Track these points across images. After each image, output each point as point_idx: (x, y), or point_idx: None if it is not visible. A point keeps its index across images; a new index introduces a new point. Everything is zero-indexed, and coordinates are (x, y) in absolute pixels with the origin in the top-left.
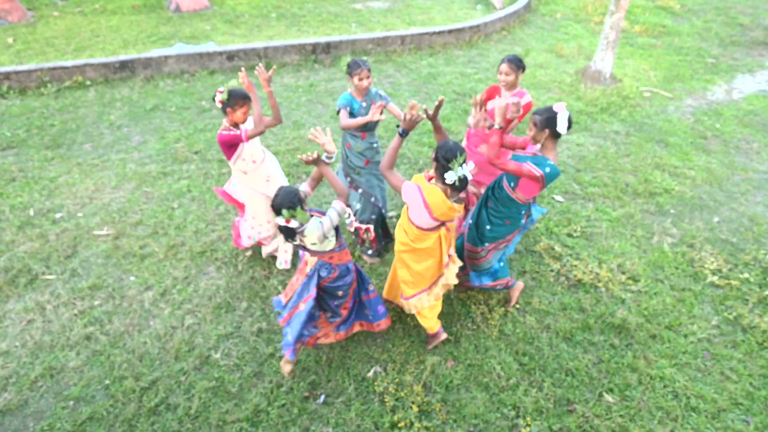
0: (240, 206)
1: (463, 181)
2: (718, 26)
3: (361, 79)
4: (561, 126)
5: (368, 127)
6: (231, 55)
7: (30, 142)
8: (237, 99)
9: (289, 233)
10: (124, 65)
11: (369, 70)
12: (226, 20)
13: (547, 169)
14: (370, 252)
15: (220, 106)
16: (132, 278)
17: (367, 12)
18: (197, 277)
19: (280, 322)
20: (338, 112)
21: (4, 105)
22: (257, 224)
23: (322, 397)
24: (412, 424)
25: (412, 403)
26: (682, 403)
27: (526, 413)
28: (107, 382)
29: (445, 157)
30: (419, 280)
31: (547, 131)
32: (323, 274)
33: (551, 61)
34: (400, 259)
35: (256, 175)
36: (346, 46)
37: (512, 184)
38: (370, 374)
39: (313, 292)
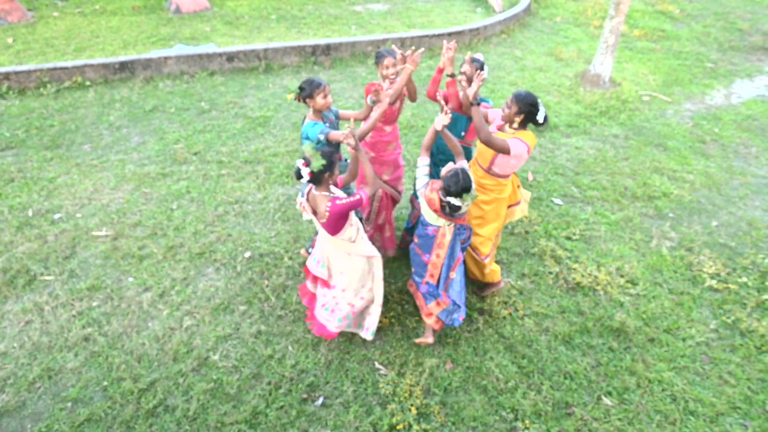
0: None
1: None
2: (717, 31)
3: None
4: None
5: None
6: (231, 57)
7: (29, 142)
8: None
9: (457, 210)
10: (123, 66)
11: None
12: (226, 21)
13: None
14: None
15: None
16: (130, 279)
17: (366, 14)
18: (196, 279)
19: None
20: (321, 141)
21: (3, 105)
22: (345, 298)
23: (321, 399)
24: (410, 426)
25: (411, 405)
26: (681, 407)
27: (525, 416)
28: (105, 383)
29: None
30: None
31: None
32: (463, 236)
33: (550, 65)
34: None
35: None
36: (346, 48)
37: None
38: (369, 376)
39: (460, 255)
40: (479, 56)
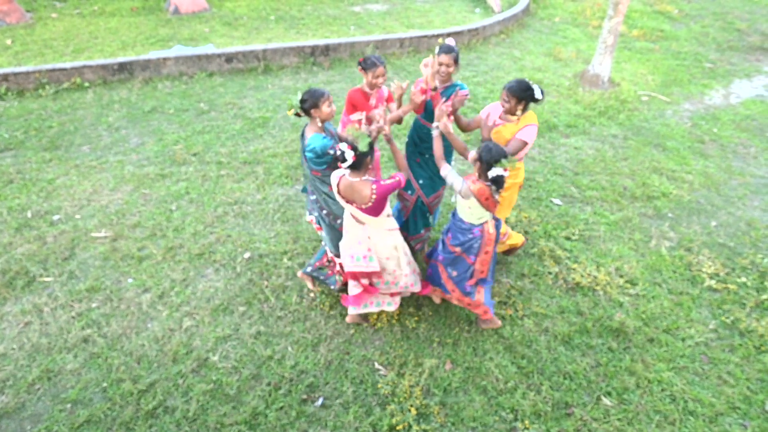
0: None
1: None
2: (715, 31)
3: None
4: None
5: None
6: (230, 57)
7: (28, 143)
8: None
9: (503, 180)
10: (122, 67)
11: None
12: (224, 22)
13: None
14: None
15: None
16: (130, 280)
17: (365, 14)
18: (195, 280)
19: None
20: (327, 153)
21: (1, 107)
22: (402, 274)
23: (321, 400)
24: (410, 427)
25: (411, 406)
26: (680, 407)
27: (524, 416)
28: (105, 384)
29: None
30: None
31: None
32: (500, 227)
33: (549, 65)
34: None
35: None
36: (345, 49)
37: None
38: (369, 377)
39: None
40: (450, 41)
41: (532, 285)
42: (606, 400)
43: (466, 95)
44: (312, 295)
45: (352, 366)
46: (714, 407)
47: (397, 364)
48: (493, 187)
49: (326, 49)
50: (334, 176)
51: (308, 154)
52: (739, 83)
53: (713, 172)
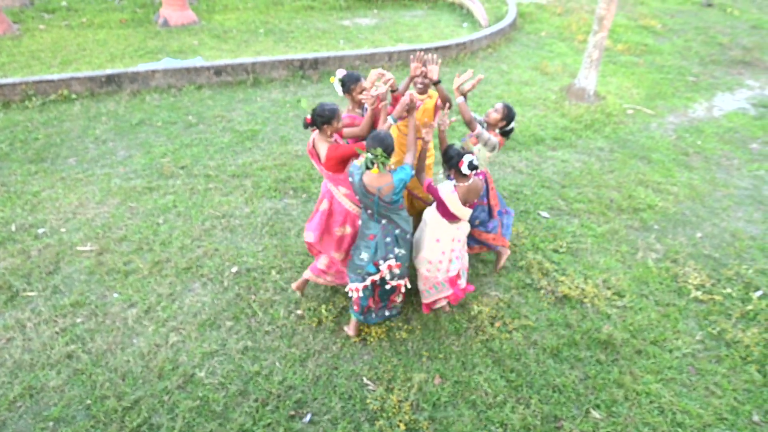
0: None
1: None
2: (698, 45)
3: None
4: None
5: None
6: (218, 70)
7: (13, 155)
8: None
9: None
10: (110, 79)
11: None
12: (213, 35)
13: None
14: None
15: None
16: (115, 295)
17: (354, 28)
18: (182, 294)
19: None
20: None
21: None
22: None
23: (309, 416)
24: None
25: (399, 421)
26: (668, 419)
27: (514, 430)
28: (89, 401)
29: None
30: None
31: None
32: None
33: (536, 79)
34: None
35: None
36: (334, 62)
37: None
38: (357, 392)
39: None
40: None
41: (520, 298)
42: (595, 413)
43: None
44: (300, 311)
45: (341, 381)
46: (702, 419)
47: (386, 378)
48: (504, 138)
49: (315, 63)
50: (448, 190)
51: (399, 186)
52: (722, 96)
53: (698, 183)
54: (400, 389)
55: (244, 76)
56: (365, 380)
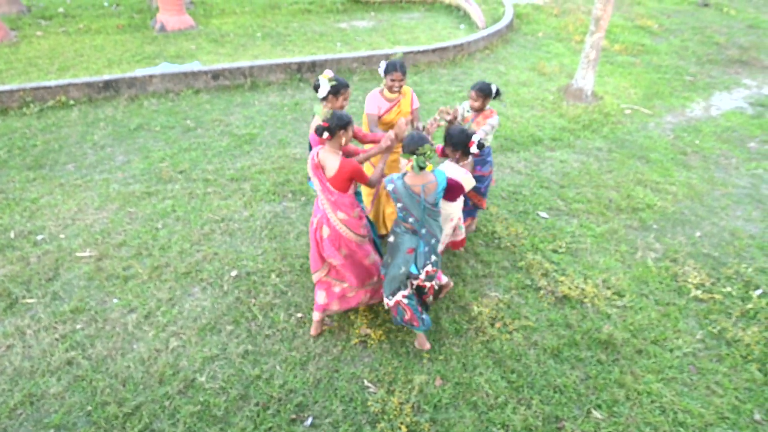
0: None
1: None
2: (694, 45)
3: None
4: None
5: None
6: (216, 74)
7: (11, 162)
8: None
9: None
10: (108, 85)
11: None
12: (211, 39)
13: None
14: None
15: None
16: (115, 301)
17: (351, 31)
18: (182, 299)
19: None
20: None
21: None
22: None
23: (310, 420)
24: None
25: (401, 423)
26: (670, 419)
27: (516, 431)
28: (89, 408)
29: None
30: None
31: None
32: None
33: (534, 79)
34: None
35: None
36: (331, 65)
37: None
38: (358, 395)
39: None
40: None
41: (520, 298)
42: (596, 413)
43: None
44: (300, 314)
45: (342, 384)
46: (703, 418)
47: (387, 381)
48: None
49: (313, 66)
50: (461, 172)
51: (442, 185)
52: (719, 95)
53: (696, 183)
54: (401, 391)
55: (242, 79)
56: (366, 383)
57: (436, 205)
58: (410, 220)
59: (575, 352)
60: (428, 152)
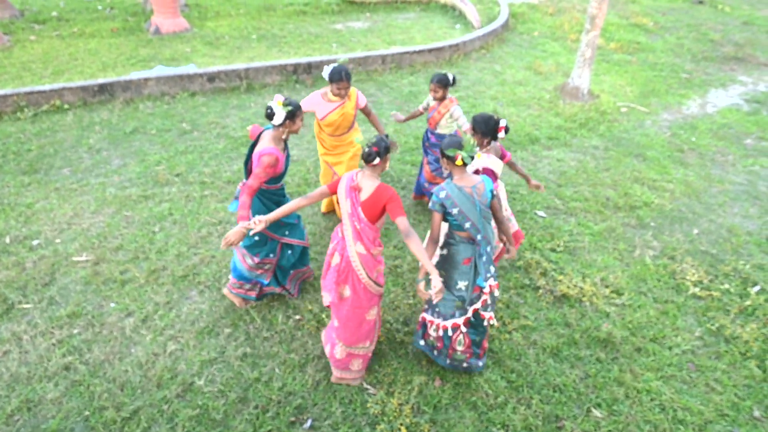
0: None
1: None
2: (690, 42)
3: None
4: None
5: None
6: (212, 77)
7: (6, 167)
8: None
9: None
10: (103, 88)
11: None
12: (206, 42)
13: None
14: None
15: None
16: (112, 305)
17: (347, 32)
18: (179, 302)
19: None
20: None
21: None
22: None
23: (309, 422)
24: None
25: (401, 424)
26: (670, 416)
27: (516, 431)
28: (87, 413)
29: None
30: None
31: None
32: None
33: (530, 78)
34: None
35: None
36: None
37: None
38: (357, 396)
39: None
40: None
41: (519, 298)
42: (596, 412)
43: None
44: (298, 316)
45: (341, 386)
46: (703, 415)
47: (386, 382)
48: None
49: (309, 67)
50: (493, 161)
51: (489, 185)
52: (715, 93)
53: (693, 180)
54: (400, 392)
55: (238, 82)
56: (365, 384)
57: (488, 205)
58: (466, 225)
59: (574, 351)
60: (468, 146)
